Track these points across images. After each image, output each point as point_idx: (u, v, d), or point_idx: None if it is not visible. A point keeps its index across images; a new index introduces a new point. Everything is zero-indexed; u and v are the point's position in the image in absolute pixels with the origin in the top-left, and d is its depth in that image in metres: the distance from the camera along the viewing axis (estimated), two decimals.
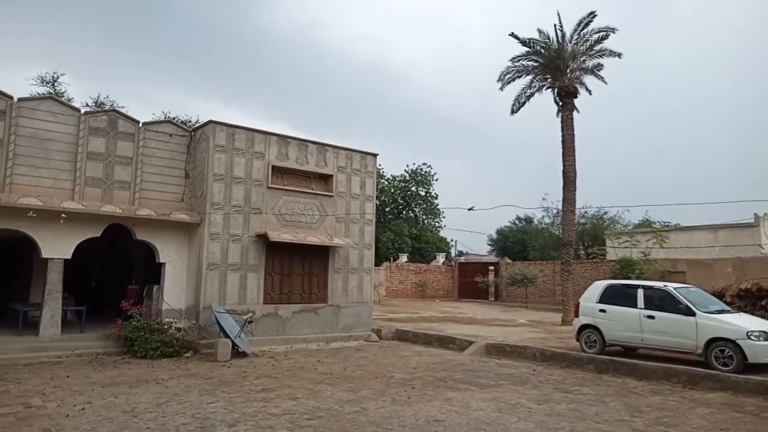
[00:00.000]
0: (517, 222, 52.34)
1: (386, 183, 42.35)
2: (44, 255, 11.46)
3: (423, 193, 43.49)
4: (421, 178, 43.13)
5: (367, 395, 8.19)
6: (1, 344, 10.68)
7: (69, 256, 11.70)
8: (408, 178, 43.31)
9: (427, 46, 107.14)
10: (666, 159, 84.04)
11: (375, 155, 16.32)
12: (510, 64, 20.81)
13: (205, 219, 12.80)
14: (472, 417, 7.08)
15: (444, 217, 44.27)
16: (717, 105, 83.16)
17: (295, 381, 9.13)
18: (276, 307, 13.78)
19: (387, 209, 42.35)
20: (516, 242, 48.13)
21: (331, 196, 15.02)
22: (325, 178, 15.11)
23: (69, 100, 26.15)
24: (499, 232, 53.75)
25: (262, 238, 13.47)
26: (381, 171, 40.26)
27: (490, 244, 54.29)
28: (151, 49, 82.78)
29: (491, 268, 32.38)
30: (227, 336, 11.42)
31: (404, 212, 43.57)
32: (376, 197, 16.59)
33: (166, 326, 11.64)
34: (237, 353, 11.46)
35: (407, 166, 44.58)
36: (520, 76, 20.85)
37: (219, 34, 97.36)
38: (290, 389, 8.46)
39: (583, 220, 33.24)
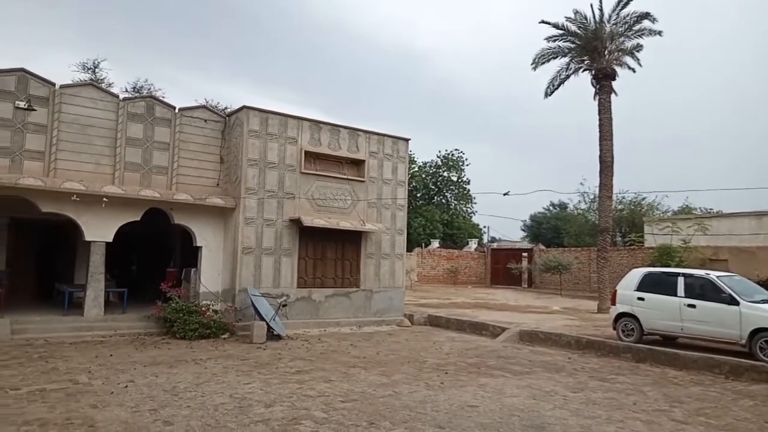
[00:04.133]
0: (551, 208, 51.59)
1: (417, 168, 42.16)
2: (87, 238, 11.83)
3: (455, 179, 43.16)
4: (452, 163, 42.77)
5: (400, 379, 8.22)
6: (49, 323, 11.15)
7: (110, 239, 12.05)
8: (440, 164, 43.01)
9: (455, 27, 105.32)
10: (712, 141, 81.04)
11: (407, 140, 16.22)
12: (546, 44, 20.33)
13: (240, 204, 12.99)
14: (506, 403, 7.04)
15: (476, 202, 43.95)
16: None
17: (328, 364, 9.24)
18: (309, 291, 13.94)
19: (418, 195, 42.21)
20: (550, 228, 47.43)
21: (362, 181, 15.03)
22: (357, 164, 15.11)
23: (109, 85, 26.79)
24: (533, 218, 53.07)
25: (296, 222, 13.60)
26: (412, 156, 40.06)
27: (523, 230, 53.70)
28: (182, 34, 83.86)
29: (524, 254, 32.00)
30: (262, 319, 11.62)
31: (436, 198, 43.36)
32: (408, 183, 16.52)
33: (203, 308, 11.92)
34: (272, 336, 11.66)
35: (439, 151, 44.32)
36: (556, 58, 20.34)
37: (247, 19, 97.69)
38: (324, 372, 8.56)
39: (620, 206, 32.46)
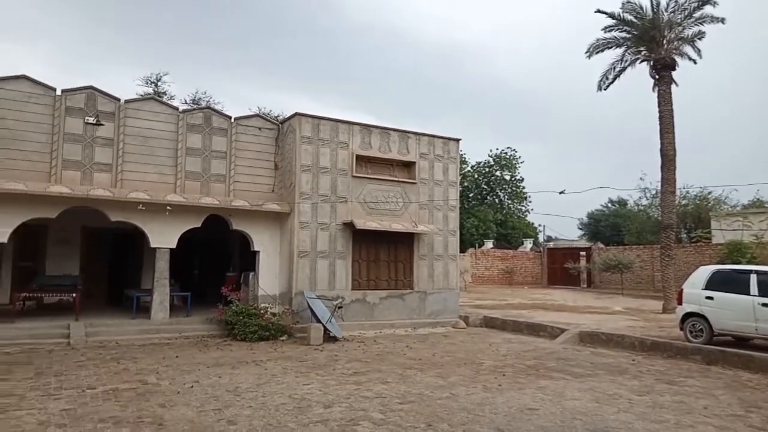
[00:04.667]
0: (610, 205, 49.86)
1: (469, 168, 41.75)
2: (153, 245, 12.40)
3: (508, 178, 42.45)
4: (505, 162, 42.08)
5: (457, 381, 8.16)
6: (119, 326, 11.77)
7: (174, 246, 12.58)
8: (492, 163, 42.42)
9: (501, 23, 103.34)
10: None
11: (457, 140, 16.11)
12: (601, 35, 19.68)
13: (295, 209, 13.27)
14: (567, 406, 6.85)
15: (530, 201, 43.05)
16: None
17: (384, 365, 9.28)
18: (364, 293, 14.07)
19: (470, 195, 41.80)
20: (609, 226, 45.86)
21: (414, 183, 15.04)
22: (408, 166, 15.14)
23: (170, 98, 28.03)
24: (591, 215, 51.45)
25: (349, 226, 13.76)
26: (463, 156, 39.72)
27: (580, 229, 52.13)
28: (224, 43, 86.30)
29: (583, 253, 31.10)
30: (319, 321, 11.82)
31: (488, 197, 42.80)
32: (460, 183, 16.38)
33: (262, 311, 12.25)
34: (328, 337, 11.84)
35: (490, 150, 43.65)
36: (611, 48, 19.64)
37: (290, 25, 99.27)
38: (380, 373, 8.61)
39: (684, 201, 30.98)
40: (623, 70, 19.64)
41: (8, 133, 11.28)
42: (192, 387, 7.40)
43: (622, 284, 26.73)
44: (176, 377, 7.98)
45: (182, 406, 6.45)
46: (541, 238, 46.14)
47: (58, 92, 11.85)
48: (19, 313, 11.98)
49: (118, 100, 12.48)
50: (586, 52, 19.84)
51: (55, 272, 14.04)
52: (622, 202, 46.41)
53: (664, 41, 18.66)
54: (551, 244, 38.69)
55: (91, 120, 12.01)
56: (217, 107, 16.04)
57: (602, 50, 19.71)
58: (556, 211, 38.11)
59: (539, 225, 47.17)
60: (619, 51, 19.57)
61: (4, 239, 11.02)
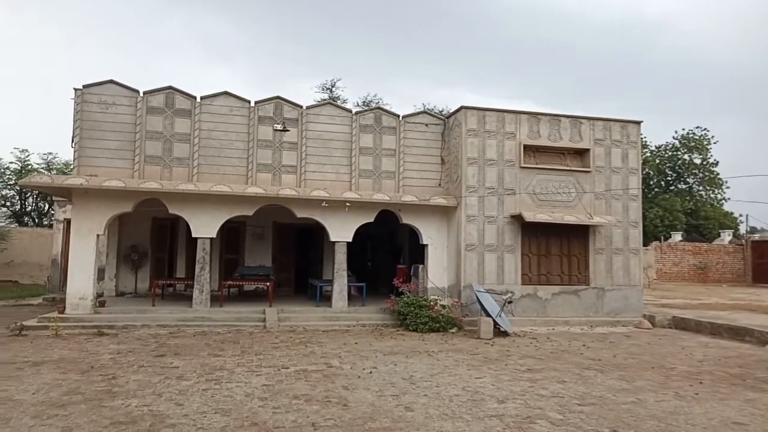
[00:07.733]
0: None
1: (650, 154, 37.87)
2: (332, 238, 13.41)
3: (698, 161, 37.64)
4: (694, 143, 37.36)
5: (644, 386, 7.49)
6: (305, 313, 12.96)
7: (350, 239, 13.47)
8: (677, 145, 37.96)
9: None
10: None
11: (638, 123, 14.72)
12: None
13: (461, 202, 13.32)
14: None
15: (728, 187, 37.64)
16: None
17: (560, 364, 8.89)
18: (535, 288, 13.61)
19: (652, 182, 37.92)
20: None
21: (588, 171, 14.11)
22: (581, 153, 14.25)
23: (343, 102, 30.06)
24: None
25: (517, 218, 13.41)
26: (644, 140, 36.12)
27: None
28: (388, 43, 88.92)
29: None
30: (488, 315, 11.73)
31: (674, 184, 38.41)
32: (641, 169, 14.94)
33: (432, 303, 12.53)
34: (498, 332, 11.69)
35: (675, 131, 39.09)
36: None
37: (448, 18, 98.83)
38: (556, 372, 8.26)
39: None
40: None
41: (216, 143, 13.10)
42: (371, 372, 7.86)
43: None
44: (356, 362, 8.54)
45: (363, 390, 6.89)
46: (743, 229, 40.10)
47: (252, 104, 13.41)
48: (225, 298, 13.87)
49: (301, 106, 13.71)
50: None
51: (252, 263, 15.99)
52: None
53: None
54: (757, 236, 33.33)
55: (279, 127, 13.38)
56: (386, 107, 16.72)
57: None
58: (764, 198, 32.75)
59: (740, 214, 41.04)
60: None
61: (214, 234, 12.81)
